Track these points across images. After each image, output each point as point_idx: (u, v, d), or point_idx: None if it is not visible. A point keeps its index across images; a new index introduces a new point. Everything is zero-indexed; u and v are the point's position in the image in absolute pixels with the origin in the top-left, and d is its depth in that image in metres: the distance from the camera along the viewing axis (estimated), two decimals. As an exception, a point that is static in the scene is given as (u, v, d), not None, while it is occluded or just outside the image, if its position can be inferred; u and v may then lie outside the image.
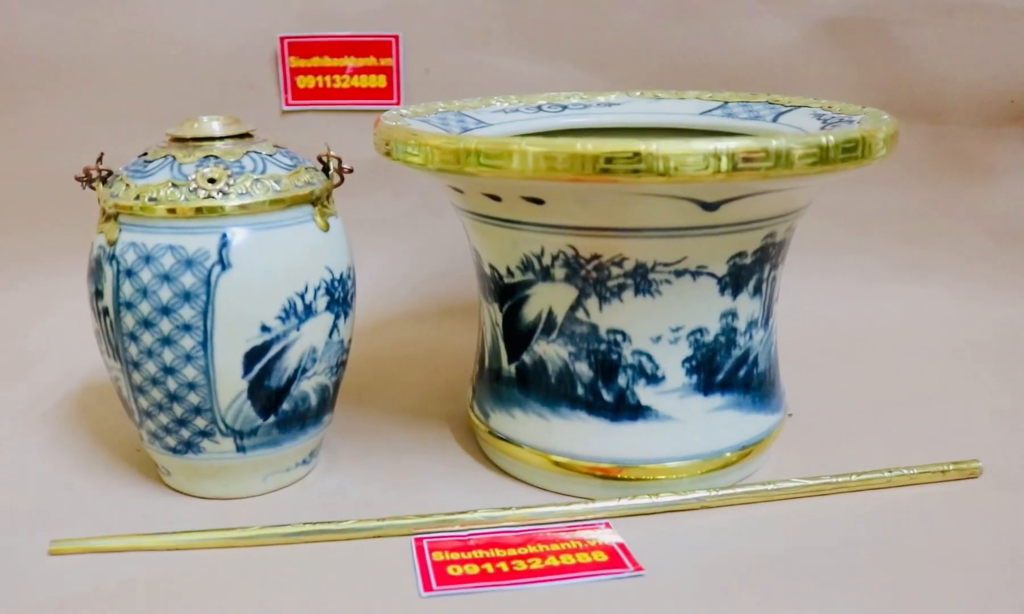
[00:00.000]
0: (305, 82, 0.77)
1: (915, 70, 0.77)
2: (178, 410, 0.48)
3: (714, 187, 0.43)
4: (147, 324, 0.46)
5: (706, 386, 0.50)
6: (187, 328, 0.46)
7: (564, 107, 0.63)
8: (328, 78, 0.77)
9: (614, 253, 0.47)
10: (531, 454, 0.52)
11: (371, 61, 0.76)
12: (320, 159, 0.52)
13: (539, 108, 0.62)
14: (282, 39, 0.77)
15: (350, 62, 0.76)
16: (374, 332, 0.76)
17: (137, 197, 0.47)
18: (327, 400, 0.52)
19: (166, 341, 0.47)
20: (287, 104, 0.78)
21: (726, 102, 0.62)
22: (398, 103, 0.77)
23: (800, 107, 0.58)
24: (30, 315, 0.78)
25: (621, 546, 0.46)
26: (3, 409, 0.63)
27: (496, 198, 0.47)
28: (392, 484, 0.53)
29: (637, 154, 0.40)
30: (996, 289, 0.80)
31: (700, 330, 0.49)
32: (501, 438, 0.53)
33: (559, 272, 0.48)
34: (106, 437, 0.59)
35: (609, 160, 0.41)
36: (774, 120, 0.57)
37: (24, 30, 0.77)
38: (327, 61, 0.76)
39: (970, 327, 0.76)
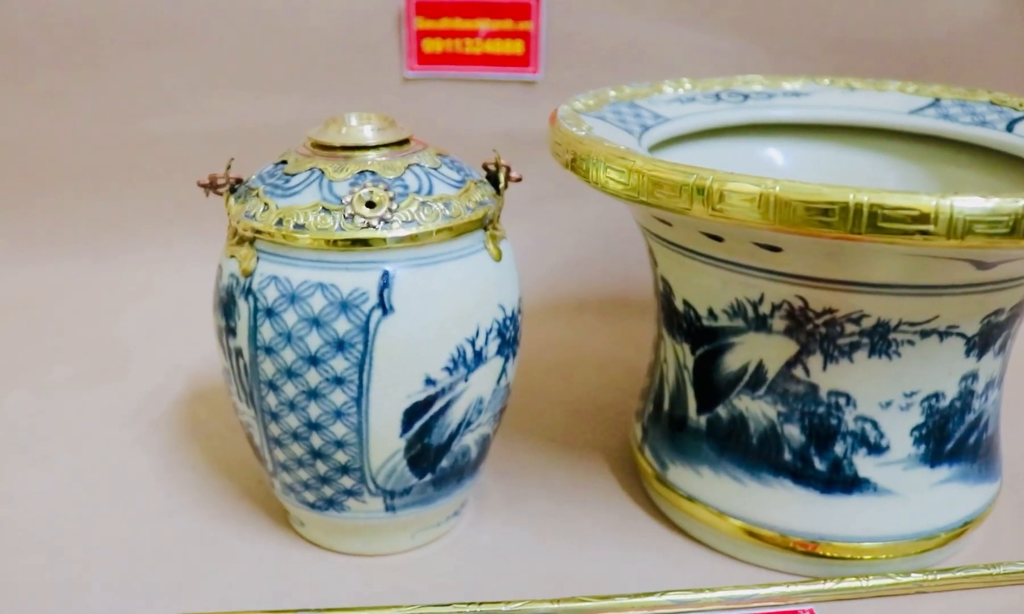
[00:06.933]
0: (432, 46, 0.67)
1: None
2: (321, 468, 0.41)
3: (1008, 250, 0.35)
4: (290, 374, 0.39)
5: (934, 456, 0.43)
6: (339, 381, 0.39)
7: (746, 97, 0.54)
8: (458, 42, 0.67)
9: (852, 309, 0.39)
10: (719, 519, 0.45)
11: (507, 24, 0.66)
12: (486, 168, 0.44)
13: (717, 97, 0.53)
14: (408, -3, 0.68)
15: (484, 25, 0.66)
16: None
17: (280, 222, 0.39)
18: (487, 449, 0.45)
19: (312, 395, 0.39)
20: (410, 70, 0.69)
21: (938, 99, 0.52)
22: (535, 72, 0.68)
23: (1039, 113, 0.48)
24: (123, 295, 0.71)
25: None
26: (104, 416, 0.57)
27: (717, 238, 0.39)
28: (551, 541, 0.47)
29: (925, 215, 0.32)
30: None
31: (936, 395, 0.41)
32: (682, 495, 0.46)
33: (779, 323, 0.40)
34: (224, 464, 0.52)
35: (887, 218, 0.33)
36: (1008, 129, 0.48)
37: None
38: (458, 23, 0.66)
39: None
